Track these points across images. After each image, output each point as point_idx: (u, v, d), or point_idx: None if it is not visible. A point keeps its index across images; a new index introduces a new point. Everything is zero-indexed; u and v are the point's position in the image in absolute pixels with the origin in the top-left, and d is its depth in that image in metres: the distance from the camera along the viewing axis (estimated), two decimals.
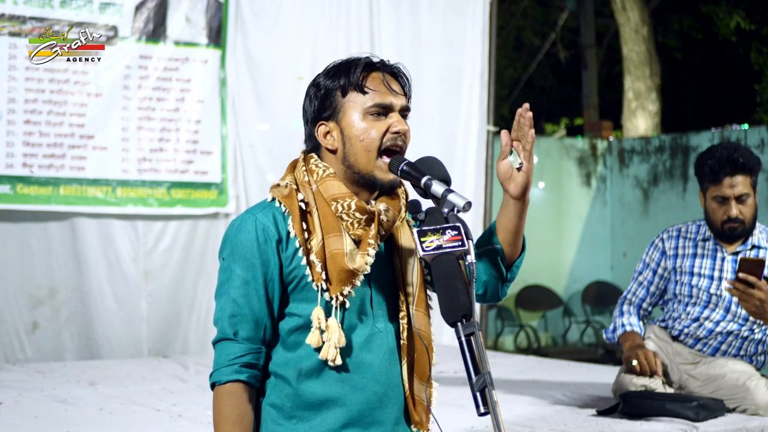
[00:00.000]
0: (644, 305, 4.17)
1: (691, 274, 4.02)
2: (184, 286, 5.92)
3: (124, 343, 5.73)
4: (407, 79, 2.24)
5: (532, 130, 2.13)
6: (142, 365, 5.28)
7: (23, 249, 5.51)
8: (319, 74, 2.24)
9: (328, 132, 2.20)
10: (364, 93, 2.17)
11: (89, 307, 5.65)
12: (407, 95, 2.23)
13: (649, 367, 3.85)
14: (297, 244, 2.13)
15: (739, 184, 3.89)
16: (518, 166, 2.15)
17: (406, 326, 2.21)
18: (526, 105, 2.14)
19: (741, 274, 3.72)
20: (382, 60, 2.23)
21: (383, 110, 2.17)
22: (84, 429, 3.67)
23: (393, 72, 2.22)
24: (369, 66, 2.19)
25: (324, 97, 2.20)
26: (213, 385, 2.14)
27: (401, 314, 2.22)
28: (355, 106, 2.17)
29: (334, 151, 2.19)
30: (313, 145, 2.24)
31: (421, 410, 2.23)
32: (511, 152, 2.16)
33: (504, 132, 2.16)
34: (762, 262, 3.72)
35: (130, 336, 5.76)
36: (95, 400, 4.21)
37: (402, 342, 2.22)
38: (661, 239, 4.14)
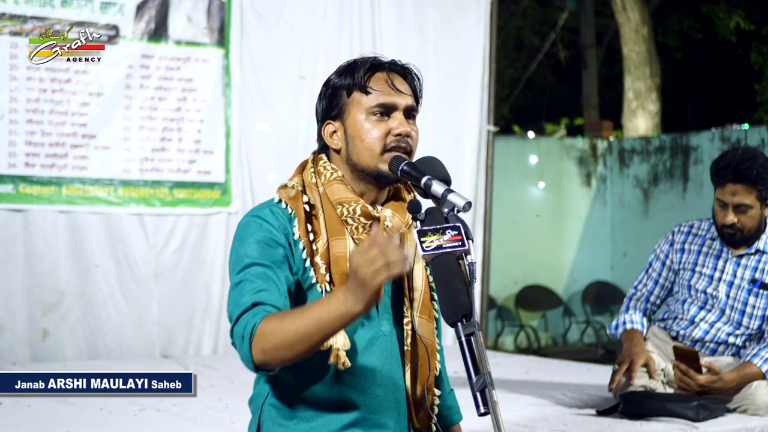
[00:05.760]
0: (652, 298, 4.14)
1: (693, 271, 4.02)
2: (196, 287, 5.88)
3: (135, 346, 5.70)
4: (417, 79, 2.22)
5: None
6: (142, 365, 5.28)
7: (30, 253, 5.48)
8: (333, 73, 2.23)
9: (334, 131, 2.19)
10: (368, 93, 2.15)
11: (99, 311, 5.62)
12: (416, 96, 2.21)
13: (630, 377, 3.86)
14: (302, 246, 2.12)
15: (740, 193, 3.83)
16: None
17: (410, 332, 2.20)
18: None
19: (675, 362, 3.83)
20: (391, 60, 2.21)
21: (386, 110, 2.15)
22: (84, 429, 3.67)
23: (401, 72, 2.20)
24: (374, 66, 2.18)
25: (332, 97, 2.19)
26: (250, 352, 1.95)
27: (405, 320, 2.21)
28: (359, 106, 2.16)
29: (338, 151, 2.19)
30: (321, 145, 2.24)
31: (423, 416, 2.22)
32: None
33: None
34: (694, 353, 3.78)
35: (142, 339, 5.72)
36: (95, 400, 4.19)
37: (406, 348, 2.20)
38: (673, 232, 4.13)
